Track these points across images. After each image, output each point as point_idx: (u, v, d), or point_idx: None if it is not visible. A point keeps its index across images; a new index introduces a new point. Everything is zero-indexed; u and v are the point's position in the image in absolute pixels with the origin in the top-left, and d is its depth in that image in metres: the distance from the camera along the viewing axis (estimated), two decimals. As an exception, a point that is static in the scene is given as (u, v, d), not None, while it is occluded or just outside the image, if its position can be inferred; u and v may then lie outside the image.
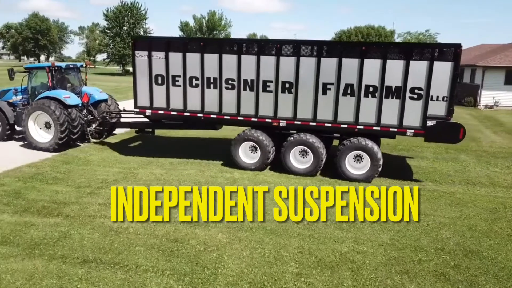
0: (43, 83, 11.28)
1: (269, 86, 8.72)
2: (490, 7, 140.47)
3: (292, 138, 8.67)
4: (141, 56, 9.43)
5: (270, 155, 8.96)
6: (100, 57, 75.40)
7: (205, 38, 8.96)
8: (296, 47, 8.36)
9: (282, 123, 8.80)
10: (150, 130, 11.06)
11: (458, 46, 7.46)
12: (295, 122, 8.68)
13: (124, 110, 11.84)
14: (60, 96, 10.47)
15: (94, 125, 11.46)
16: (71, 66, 11.79)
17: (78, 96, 11.23)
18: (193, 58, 9.06)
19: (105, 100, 12.07)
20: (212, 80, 9.08)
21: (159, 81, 9.43)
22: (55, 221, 6.14)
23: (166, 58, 9.21)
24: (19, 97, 11.50)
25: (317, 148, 8.49)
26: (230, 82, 8.98)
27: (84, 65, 12.42)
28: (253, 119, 8.99)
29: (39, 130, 10.66)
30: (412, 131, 8.02)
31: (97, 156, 10.26)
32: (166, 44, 9.20)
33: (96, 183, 7.96)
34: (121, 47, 49.29)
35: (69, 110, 10.42)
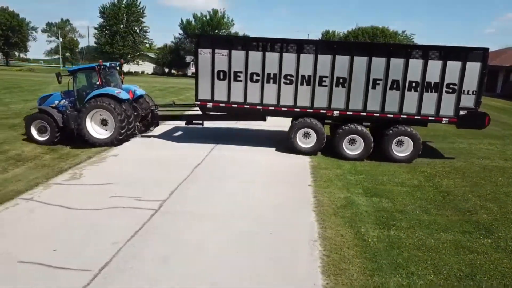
0: (89, 83, 11.59)
1: (324, 81, 10.00)
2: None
3: (346, 127, 9.99)
4: (204, 53, 10.33)
5: (324, 141, 10.23)
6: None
7: (267, 38, 9.57)
8: (351, 47, 9.72)
9: (336, 113, 10.11)
10: (200, 122, 11.87)
11: (486, 50, 9.23)
12: (348, 113, 10.04)
13: (174, 103, 12.53)
14: (113, 92, 10.85)
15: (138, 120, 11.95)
16: (112, 65, 12.24)
17: None
18: (255, 56, 10.12)
19: (143, 96, 12.64)
20: (272, 76, 10.19)
21: (221, 77, 10.37)
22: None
23: (229, 55, 10.18)
24: (63, 101, 11.53)
25: (367, 136, 9.89)
26: (288, 77, 10.15)
27: (120, 64, 12.93)
28: (308, 110, 10.22)
29: (96, 127, 10.94)
30: (447, 119, 9.67)
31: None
32: (229, 43, 10.18)
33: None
34: (121, 45, 47.93)
35: (124, 106, 10.93)
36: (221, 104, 10.54)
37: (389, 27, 49.93)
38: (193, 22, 52.70)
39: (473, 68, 9.30)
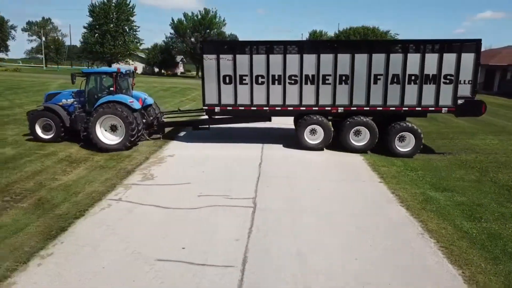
0: (101, 87, 11.68)
1: (328, 79, 10.39)
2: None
3: (352, 120, 10.42)
4: (209, 59, 10.59)
5: (331, 136, 10.67)
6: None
7: (270, 41, 9.74)
8: (352, 46, 10.09)
9: (340, 109, 10.54)
10: (207, 126, 12.17)
11: (479, 41, 9.70)
12: (352, 108, 10.47)
13: (179, 110, 12.76)
14: (126, 100, 10.94)
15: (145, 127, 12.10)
16: (128, 71, 12.35)
17: None
18: (259, 59, 10.43)
19: (151, 104, 12.79)
20: (276, 77, 10.53)
21: (227, 81, 10.67)
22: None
23: (234, 59, 10.46)
24: (71, 100, 11.63)
25: (373, 127, 10.35)
26: (293, 78, 10.51)
27: (134, 71, 13.00)
28: (314, 108, 10.62)
29: (104, 132, 11.07)
30: (446, 109, 10.18)
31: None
32: (234, 47, 10.45)
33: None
34: (112, 45, 46.94)
35: (135, 114, 11.13)
36: (228, 108, 10.86)
37: (379, 27, 50.91)
38: (184, 22, 52.02)
39: (468, 59, 9.78)
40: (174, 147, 11.36)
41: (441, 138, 13.02)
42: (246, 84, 10.66)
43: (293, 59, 10.36)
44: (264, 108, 10.78)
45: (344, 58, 10.17)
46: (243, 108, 10.82)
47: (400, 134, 10.30)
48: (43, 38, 74.23)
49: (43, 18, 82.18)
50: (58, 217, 6.21)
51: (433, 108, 10.24)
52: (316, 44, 10.39)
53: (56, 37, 77.91)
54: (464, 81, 9.98)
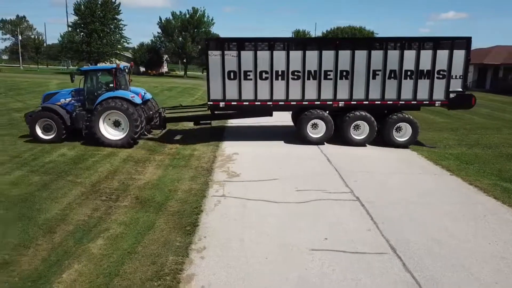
0: (100, 85, 11.74)
1: (329, 75, 10.84)
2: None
3: (352, 114, 10.91)
4: (214, 55, 10.82)
5: (333, 130, 11.13)
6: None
7: (274, 38, 10.00)
8: (352, 43, 10.59)
9: (341, 104, 11.01)
10: (208, 121, 12.39)
11: (469, 39, 10.41)
12: (352, 102, 10.96)
13: (181, 105, 12.92)
14: (127, 96, 11.03)
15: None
16: (125, 67, 12.40)
17: None
18: (263, 55, 10.75)
19: (149, 99, 12.90)
20: (280, 73, 10.89)
21: (232, 77, 10.94)
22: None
23: (238, 56, 10.74)
24: (69, 99, 11.58)
25: (371, 121, 10.88)
26: (296, 73, 10.89)
27: (130, 67, 13.07)
28: (316, 102, 11.05)
29: (108, 128, 11.12)
30: (439, 102, 10.85)
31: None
32: (238, 44, 10.72)
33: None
34: (99, 44, 45.87)
35: (137, 108, 11.22)
36: (233, 103, 11.12)
37: (365, 27, 52.61)
38: (172, 21, 51.60)
39: (459, 55, 10.48)
40: (226, 146, 11.36)
41: (472, 134, 13.46)
42: (251, 79, 10.95)
43: (295, 55, 10.74)
44: (268, 103, 11.11)
45: (345, 55, 10.65)
46: (247, 103, 11.11)
47: (397, 125, 10.89)
48: (20, 37, 71.69)
49: (17, 16, 79.10)
50: (178, 214, 6.32)
51: (427, 102, 10.89)
52: (318, 41, 10.81)
53: (33, 36, 75.40)
54: (456, 76, 10.67)
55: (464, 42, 10.45)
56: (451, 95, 10.75)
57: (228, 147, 11.15)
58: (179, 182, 7.91)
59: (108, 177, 8.21)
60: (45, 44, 74.81)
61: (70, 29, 48.03)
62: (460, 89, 10.75)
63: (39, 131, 11.00)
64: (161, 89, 29.23)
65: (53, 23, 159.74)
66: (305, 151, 10.69)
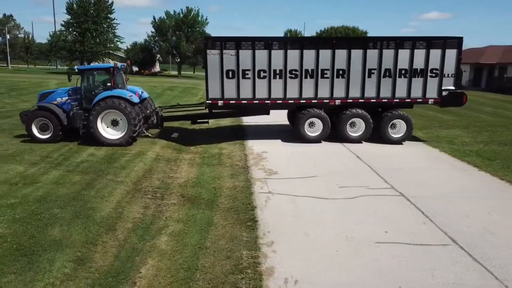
0: (97, 84, 11.72)
1: (326, 74, 11.07)
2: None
3: (348, 112, 11.16)
4: (213, 54, 10.95)
5: (329, 128, 11.36)
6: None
7: (273, 37, 10.06)
8: (348, 42, 10.84)
9: (337, 102, 11.26)
10: (206, 120, 12.52)
11: (461, 39, 10.75)
12: (348, 101, 11.21)
13: (178, 104, 13.00)
14: (125, 95, 11.03)
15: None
16: (122, 66, 12.43)
17: None
18: (261, 54, 10.92)
19: (146, 98, 12.95)
20: (278, 72, 11.08)
21: (230, 75, 11.09)
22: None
23: (237, 55, 10.89)
24: (65, 98, 11.51)
25: (367, 118, 11.15)
26: (293, 72, 11.10)
27: (127, 66, 13.09)
28: (313, 101, 11.27)
29: (106, 128, 11.11)
30: (432, 100, 11.17)
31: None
32: (237, 43, 10.87)
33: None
34: (93, 43, 45.31)
35: (134, 107, 11.26)
36: (231, 102, 11.26)
37: (358, 27, 53.35)
38: (166, 21, 51.37)
39: (451, 54, 10.82)
40: (252, 144, 11.48)
41: (484, 131, 13.73)
42: (249, 78, 11.12)
43: (293, 54, 10.95)
44: (266, 101, 11.29)
45: (341, 54, 10.89)
46: (245, 101, 11.27)
47: (392, 121, 11.20)
48: (8, 36, 70.38)
49: (4, 14, 77.64)
50: (233, 210, 6.44)
51: (420, 100, 11.21)
52: (315, 40, 11.04)
53: (21, 35, 74.18)
54: (448, 74, 11.01)
55: (456, 42, 10.79)
56: (444, 93, 11.08)
57: (255, 145, 11.27)
58: (220, 180, 8.07)
59: (145, 176, 8.35)
60: (35, 43, 73.68)
61: (62, 28, 47.38)
62: (452, 87, 11.10)
63: (35, 131, 10.95)
64: (162, 88, 29.18)
65: (39, 22, 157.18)
66: (331, 149, 10.91)
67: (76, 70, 11.94)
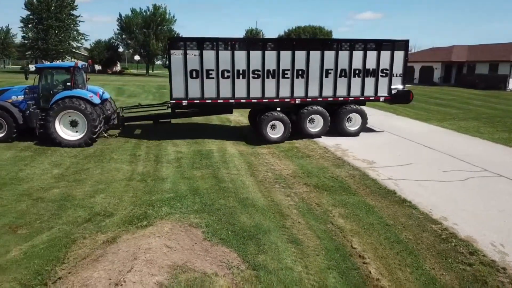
0: (56, 83, 11.42)
1: (287, 74, 11.64)
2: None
3: (306, 110, 11.81)
4: (176, 55, 11.13)
5: (290, 130, 11.89)
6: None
7: (235, 38, 10.27)
8: (307, 43, 11.49)
9: (298, 100, 11.88)
10: (168, 120, 12.61)
11: (407, 41, 11.77)
12: (307, 99, 11.87)
13: (140, 105, 12.99)
14: (86, 95, 10.87)
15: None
16: (83, 65, 12.19)
17: None
18: (224, 55, 11.26)
19: (107, 99, 12.68)
20: (241, 72, 11.48)
21: (194, 75, 11.33)
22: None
23: (201, 55, 11.16)
24: (21, 96, 11.18)
25: (325, 114, 11.88)
26: (256, 72, 11.55)
27: (88, 65, 12.85)
28: (275, 100, 11.80)
29: (63, 129, 10.85)
30: (383, 98, 12.13)
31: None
32: (200, 43, 11.13)
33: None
34: (57, 41, 42.80)
35: (95, 108, 11.03)
36: (195, 101, 11.51)
37: (325, 27, 55.11)
38: (133, 18, 49.90)
39: (399, 56, 11.82)
40: (315, 139, 11.91)
41: (497, 122, 14.82)
42: (213, 78, 11.42)
43: (256, 55, 11.39)
44: (230, 100, 11.66)
45: (301, 55, 11.51)
46: (210, 101, 11.56)
47: (348, 115, 12.05)
48: None
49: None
50: (380, 195, 6.87)
51: (373, 98, 12.13)
52: (277, 42, 11.58)
53: None
54: (397, 74, 12.01)
55: (403, 44, 11.81)
56: (393, 91, 12.07)
57: (320, 140, 11.82)
58: (328, 170, 8.47)
59: (252, 168, 8.73)
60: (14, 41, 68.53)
61: (21, 24, 44.49)
62: (401, 86, 12.12)
63: None
64: (146, 89, 28.12)
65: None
66: (395, 139, 11.74)
67: (34, 69, 11.57)
